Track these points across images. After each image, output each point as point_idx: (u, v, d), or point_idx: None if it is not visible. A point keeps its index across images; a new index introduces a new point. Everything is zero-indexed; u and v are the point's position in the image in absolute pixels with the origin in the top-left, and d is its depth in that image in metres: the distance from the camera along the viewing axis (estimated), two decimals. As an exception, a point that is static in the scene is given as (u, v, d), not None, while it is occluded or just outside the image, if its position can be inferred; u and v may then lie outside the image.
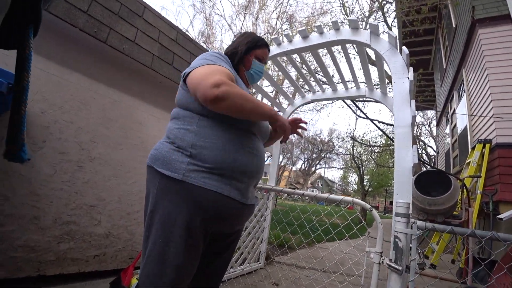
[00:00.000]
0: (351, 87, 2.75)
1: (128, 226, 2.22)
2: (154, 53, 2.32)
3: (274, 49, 2.25)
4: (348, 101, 8.42)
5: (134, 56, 2.13)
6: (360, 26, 1.90)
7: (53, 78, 1.85)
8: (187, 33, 2.97)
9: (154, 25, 2.42)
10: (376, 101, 2.55)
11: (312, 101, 3.02)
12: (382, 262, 1.35)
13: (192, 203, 0.86)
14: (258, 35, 1.29)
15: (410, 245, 1.28)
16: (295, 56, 2.44)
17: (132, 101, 2.30)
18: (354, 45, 2.05)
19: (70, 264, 1.89)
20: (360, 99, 8.35)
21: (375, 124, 3.66)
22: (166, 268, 0.83)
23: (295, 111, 3.19)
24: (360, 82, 2.66)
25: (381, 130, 3.62)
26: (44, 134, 1.80)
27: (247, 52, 1.18)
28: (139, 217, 2.29)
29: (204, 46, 13.12)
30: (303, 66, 6.78)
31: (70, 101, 1.93)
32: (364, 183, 15.25)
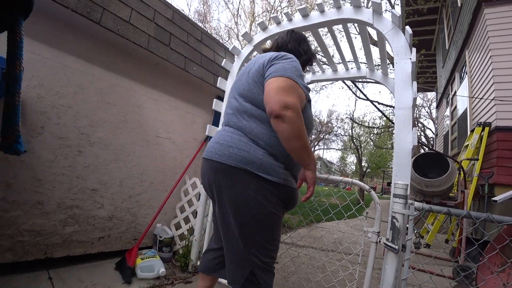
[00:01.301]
0: (352, 68, 2.70)
1: (131, 209, 2.25)
2: (150, 33, 2.25)
3: (273, 29, 2.20)
4: (348, 82, 8.32)
5: (129, 37, 2.07)
6: (362, 5, 1.84)
7: (48, 62, 1.81)
8: (183, 12, 2.88)
9: (149, 4, 2.34)
10: (376, 82, 2.52)
11: (312, 81, 2.97)
12: (379, 241, 1.39)
13: (284, 199, 1.03)
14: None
15: (407, 225, 1.32)
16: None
17: (129, 84, 2.26)
18: (356, 24, 1.99)
19: (76, 246, 1.94)
20: (360, 80, 8.23)
21: (375, 106, 3.62)
22: (276, 244, 1.07)
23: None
24: (361, 63, 2.62)
25: (381, 112, 3.59)
26: (42, 119, 1.79)
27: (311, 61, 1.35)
28: (140, 199, 2.33)
29: (201, 25, 12.76)
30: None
31: (66, 85, 1.90)
32: (362, 164, 15.39)
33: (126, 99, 2.23)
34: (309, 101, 1.12)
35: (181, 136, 2.70)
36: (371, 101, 4.49)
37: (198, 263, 2.11)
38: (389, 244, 1.25)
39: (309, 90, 1.08)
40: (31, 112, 1.74)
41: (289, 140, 0.92)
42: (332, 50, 8.84)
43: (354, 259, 2.42)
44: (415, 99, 1.62)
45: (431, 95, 17.32)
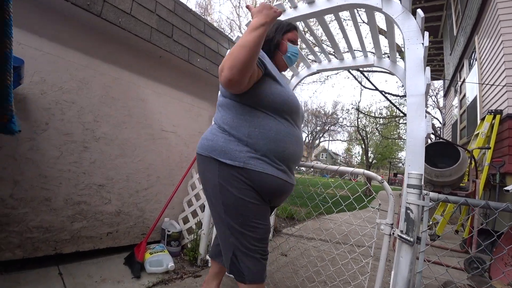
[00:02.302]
0: (358, 56, 2.63)
1: (138, 204, 2.25)
2: (152, 25, 2.20)
3: (278, 18, 2.13)
4: (354, 72, 8.16)
5: (131, 30, 2.02)
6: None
7: (50, 58, 1.77)
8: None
9: (150, -5, 2.28)
10: (389, 71, 2.44)
11: (318, 71, 2.90)
12: (393, 233, 1.35)
13: (253, 184, 1.00)
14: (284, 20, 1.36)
15: (421, 217, 1.28)
16: (298, 23, 2.31)
17: (132, 78, 2.23)
18: (363, 10, 1.92)
19: (85, 242, 1.94)
20: (365, 69, 8.05)
21: (383, 95, 3.53)
22: (255, 231, 1.02)
23: (300, 83, 3.09)
24: (368, 52, 2.54)
25: (390, 101, 3.50)
26: (46, 115, 1.77)
27: (280, 37, 1.25)
28: (147, 194, 2.32)
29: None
30: (307, 34, 6.48)
31: (69, 80, 1.87)
32: (368, 155, 15.27)
33: (129, 93, 2.20)
34: (267, 75, 1.06)
35: (187, 129, 2.67)
36: (380, 91, 4.38)
37: (207, 257, 2.11)
38: (404, 236, 1.21)
39: (261, 61, 1.03)
40: (35, 108, 1.72)
41: (250, 60, 0.88)
42: (338, 38, 8.65)
43: (364, 251, 2.39)
44: (428, 86, 1.56)
45: (437, 83, 16.98)
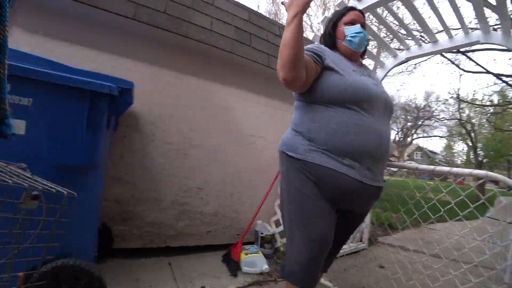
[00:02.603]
0: (455, 35, 2.19)
1: (233, 206, 2.40)
2: (231, 36, 2.34)
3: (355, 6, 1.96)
4: (447, 55, 6.90)
5: (213, 44, 2.18)
6: None
7: (152, 78, 2.07)
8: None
9: (226, 10, 2.44)
10: (503, 46, 1.94)
11: (407, 59, 2.55)
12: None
13: (315, 178, 1.01)
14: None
15: None
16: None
17: (218, 88, 2.39)
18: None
19: (189, 238, 2.18)
20: (464, 49, 6.66)
21: (497, 77, 2.79)
22: (308, 228, 1.02)
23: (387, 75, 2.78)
24: (469, 28, 2.08)
25: (507, 83, 2.74)
26: (153, 128, 2.07)
27: (335, 27, 1.23)
28: (241, 197, 2.46)
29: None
30: (387, 18, 5.81)
31: (168, 96, 2.13)
32: (477, 152, 12.45)
33: (217, 102, 2.38)
34: (326, 68, 1.06)
35: (273, 133, 2.69)
36: (491, 72, 3.49)
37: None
38: None
39: (319, 56, 1.06)
40: (144, 123, 2.04)
41: (294, 56, 0.91)
42: (426, 16, 7.51)
43: (493, 275, 1.89)
44: None
45: None
